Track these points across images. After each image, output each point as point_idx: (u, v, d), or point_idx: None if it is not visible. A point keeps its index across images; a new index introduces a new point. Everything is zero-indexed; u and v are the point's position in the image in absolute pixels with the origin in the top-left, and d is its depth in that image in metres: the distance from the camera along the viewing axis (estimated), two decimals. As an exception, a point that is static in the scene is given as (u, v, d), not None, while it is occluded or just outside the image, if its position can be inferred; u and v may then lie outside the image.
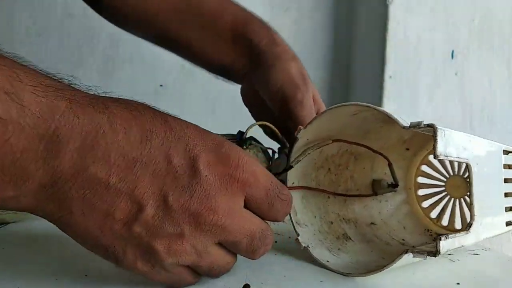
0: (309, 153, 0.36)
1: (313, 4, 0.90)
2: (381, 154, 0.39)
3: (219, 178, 0.25)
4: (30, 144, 0.21)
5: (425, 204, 0.45)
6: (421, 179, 0.45)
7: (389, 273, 0.33)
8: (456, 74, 0.89)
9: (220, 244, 0.27)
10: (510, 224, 0.38)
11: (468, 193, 0.34)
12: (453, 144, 0.31)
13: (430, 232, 0.44)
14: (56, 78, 0.24)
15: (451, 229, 0.43)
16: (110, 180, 0.23)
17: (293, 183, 0.38)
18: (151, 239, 0.24)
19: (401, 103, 0.84)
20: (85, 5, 0.56)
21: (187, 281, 0.27)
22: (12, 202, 0.22)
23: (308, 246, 0.37)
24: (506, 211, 0.37)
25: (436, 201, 0.45)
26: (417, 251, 0.30)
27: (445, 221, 0.44)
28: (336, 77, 0.92)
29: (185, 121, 0.26)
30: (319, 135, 0.37)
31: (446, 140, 0.30)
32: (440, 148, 0.30)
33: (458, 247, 0.31)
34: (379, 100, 0.83)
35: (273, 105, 0.45)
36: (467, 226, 0.32)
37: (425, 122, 0.30)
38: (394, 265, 0.31)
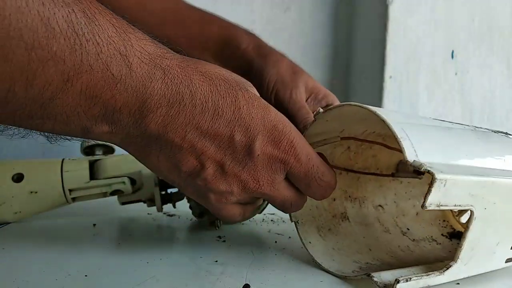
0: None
1: (313, 4, 0.90)
2: (395, 149, 0.37)
3: (268, 158, 0.31)
4: (129, 102, 0.26)
5: None
6: None
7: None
8: (456, 74, 0.89)
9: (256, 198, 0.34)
10: (510, 261, 0.35)
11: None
12: (456, 192, 0.28)
13: (445, 224, 0.43)
14: (157, 44, 0.28)
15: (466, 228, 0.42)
16: (183, 145, 0.29)
17: None
18: (207, 190, 0.31)
19: (401, 103, 0.84)
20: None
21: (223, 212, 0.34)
22: (105, 136, 0.28)
23: (297, 221, 0.37)
24: (511, 248, 0.34)
25: None
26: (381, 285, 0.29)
27: (464, 219, 0.43)
28: (336, 77, 0.92)
29: (251, 96, 0.30)
30: (344, 120, 0.36)
31: (446, 190, 0.27)
32: (431, 199, 0.27)
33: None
34: (379, 100, 0.83)
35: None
36: (444, 267, 0.30)
37: (427, 168, 0.26)
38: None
